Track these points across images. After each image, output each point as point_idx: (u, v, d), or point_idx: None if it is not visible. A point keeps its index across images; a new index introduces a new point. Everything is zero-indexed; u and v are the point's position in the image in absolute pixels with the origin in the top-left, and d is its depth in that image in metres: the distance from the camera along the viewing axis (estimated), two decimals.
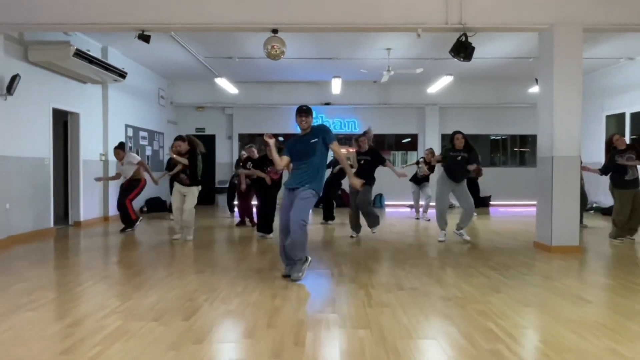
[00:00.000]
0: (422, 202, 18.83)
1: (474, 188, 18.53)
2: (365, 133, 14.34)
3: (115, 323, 6.20)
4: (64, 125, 16.57)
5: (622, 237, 12.96)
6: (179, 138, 13.25)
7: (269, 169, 13.75)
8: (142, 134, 20.88)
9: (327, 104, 24.57)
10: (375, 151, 14.09)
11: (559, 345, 5.50)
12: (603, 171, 13.30)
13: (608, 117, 21.13)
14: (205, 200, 22.16)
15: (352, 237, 13.85)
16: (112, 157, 16.31)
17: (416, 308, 6.93)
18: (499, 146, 26.67)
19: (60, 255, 11.78)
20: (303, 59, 18.84)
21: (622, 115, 20.22)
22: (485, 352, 5.28)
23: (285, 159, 8.98)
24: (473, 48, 11.64)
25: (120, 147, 15.08)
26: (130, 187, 14.91)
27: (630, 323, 6.35)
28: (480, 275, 9.11)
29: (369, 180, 13.60)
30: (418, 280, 8.65)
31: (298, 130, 9.10)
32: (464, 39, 11.57)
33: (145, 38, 11.71)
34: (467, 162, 12.67)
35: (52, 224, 14.59)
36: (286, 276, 8.73)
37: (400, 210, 22.29)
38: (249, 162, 15.40)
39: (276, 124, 23.85)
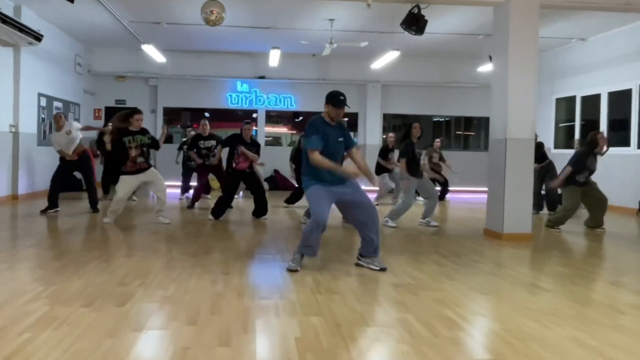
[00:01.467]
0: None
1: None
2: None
3: (42, 309, 6.07)
4: None
5: (559, 227, 13.36)
6: (139, 111, 12.89)
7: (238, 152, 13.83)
8: (56, 104, 20.30)
9: (262, 77, 24.48)
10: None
11: (521, 333, 5.71)
12: (574, 166, 13.14)
13: (558, 99, 21.78)
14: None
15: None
16: (23, 129, 16.31)
17: (368, 295, 7.17)
18: (442, 128, 27.00)
19: None
20: (238, 27, 18.64)
21: (573, 98, 20.78)
22: (447, 340, 5.46)
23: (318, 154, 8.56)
24: (426, 21, 11.88)
25: (59, 115, 14.81)
26: (86, 163, 14.66)
27: (588, 311, 6.67)
28: (431, 262, 9.33)
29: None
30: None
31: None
32: (416, 11, 11.73)
33: None
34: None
35: None
36: (294, 270, 8.53)
37: None
38: (202, 141, 15.66)
39: (205, 98, 23.97)
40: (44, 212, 14.03)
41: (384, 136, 19.10)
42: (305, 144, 8.66)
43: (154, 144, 13.02)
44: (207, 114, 18.28)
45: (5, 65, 16.95)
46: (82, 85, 23.10)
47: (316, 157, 8.30)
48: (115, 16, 17.38)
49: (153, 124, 23.87)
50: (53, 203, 14.21)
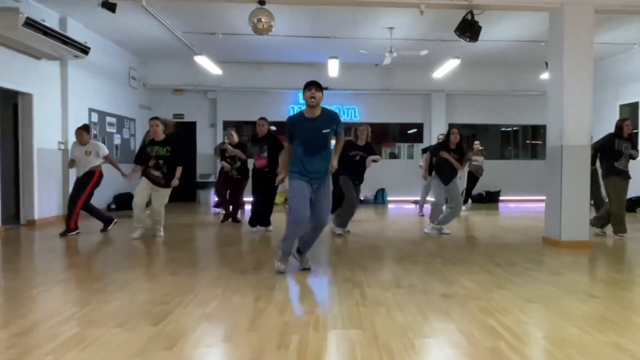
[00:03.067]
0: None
1: (471, 184, 20.18)
2: (362, 124, 14.28)
3: (71, 330, 6.04)
4: (13, 108, 15.90)
5: (621, 234, 13.20)
6: (156, 118, 12.97)
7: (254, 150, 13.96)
8: (109, 119, 20.38)
9: (325, 88, 23.46)
10: (372, 147, 14.03)
11: (561, 340, 5.73)
12: (598, 149, 13.33)
13: (622, 106, 21.55)
14: (185, 196, 22.13)
15: (348, 232, 13.96)
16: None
17: (413, 306, 7.08)
18: (510, 137, 26.71)
19: (9, 259, 11.36)
20: (297, 37, 18.66)
21: (636, 104, 20.64)
22: (484, 350, 5.46)
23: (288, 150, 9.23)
24: (480, 27, 11.83)
25: (85, 129, 13.91)
26: (84, 180, 13.72)
27: (635, 317, 6.70)
28: (484, 271, 9.34)
29: (362, 178, 13.98)
30: (418, 277, 8.85)
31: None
32: (470, 18, 11.73)
33: (110, 6, 11.35)
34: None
35: None
36: (280, 272, 8.93)
37: (404, 206, 22.54)
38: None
39: (266, 110, 22.77)
40: (103, 230, 14.00)
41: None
42: None
43: (172, 159, 12.82)
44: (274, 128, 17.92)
45: (52, 79, 16.82)
46: (137, 99, 23.19)
47: (285, 148, 9.38)
48: (168, 27, 17.42)
49: (213, 137, 24.10)
50: (106, 218, 14.23)
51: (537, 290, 7.99)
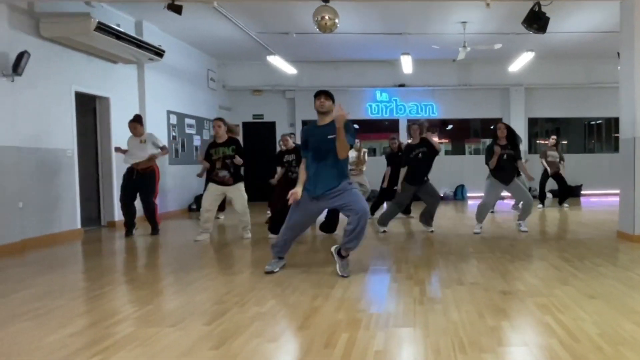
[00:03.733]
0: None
1: (561, 181, 19.59)
2: (416, 122, 14.06)
3: (125, 330, 6.09)
4: (93, 112, 15.90)
5: None
6: (219, 119, 12.84)
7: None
8: (188, 121, 20.53)
9: (402, 85, 24.11)
10: (429, 141, 13.58)
11: (616, 336, 5.54)
12: None
13: None
14: (265, 196, 21.56)
15: (432, 231, 13.73)
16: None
17: (471, 304, 6.93)
18: (593, 131, 26.37)
19: (82, 259, 11.57)
20: (369, 35, 18.50)
21: None
22: (535, 348, 5.32)
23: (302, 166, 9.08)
24: (547, 19, 11.60)
25: (138, 120, 13.96)
26: (149, 181, 13.87)
27: None
28: (550, 266, 9.15)
29: (427, 174, 13.66)
30: (481, 274, 8.70)
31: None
32: (537, 9, 11.51)
33: (176, 8, 11.32)
34: (514, 159, 12.92)
35: (79, 225, 14.17)
36: (269, 272, 8.94)
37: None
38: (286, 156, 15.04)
39: (346, 109, 23.15)
40: (128, 235, 13.89)
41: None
42: None
43: (238, 154, 12.62)
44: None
45: (129, 82, 16.98)
46: (216, 101, 23.26)
47: (300, 166, 9.18)
48: (242, 28, 17.44)
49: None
50: (129, 225, 13.99)
51: (601, 285, 7.76)
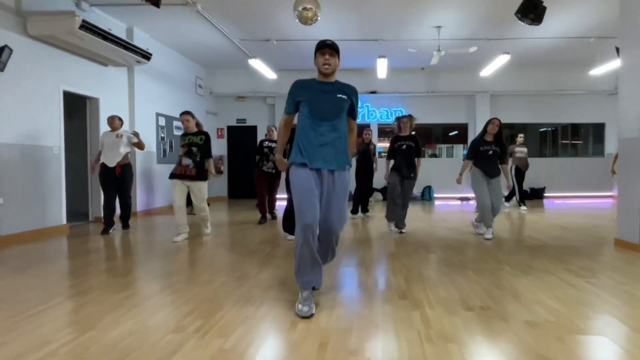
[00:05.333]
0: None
1: (519, 178, 18.18)
2: (410, 116, 12.38)
3: None
4: (84, 111, 14.68)
5: None
6: (187, 113, 11.29)
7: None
8: (176, 123, 19.24)
9: (373, 92, 23.05)
10: (417, 138, 12.12)
11: None
12: None
13: None
14: (247, 194, 21.93)
15: (399, 232, 11.92)
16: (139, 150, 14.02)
17: (495, 343, 4.53)
18: (548, 137, 25.18)
19: (49, 259, 9.21)
20: (346, 41, 16.94)
21: None
22: None
23: (285, 125, 6.18)
24: (544, 8, 9.72)
25: (117, 117, 12.75)
26: (128, 176, 12.71)
27: None
28: (565, 284, 6.70)
29: (414, 170, 11.91)
30: (488, 294, 6.22)
31: None
32: None
33: (154, 1, 10.12)
34: (498, 158, 11.13)
35: (64, 221, 12.80)
36: (306, 317, 5.54)
37: (450, 203, 20.87)
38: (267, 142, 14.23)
39: None
40: (105, 232, 12.39)
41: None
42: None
43: (205, 147, 11.09)
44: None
45: (119, 85, 15.81)
46: (204, 106, 22.38)
47: (280, 123, 6.17)
48: (225, 34, 16.40)
49: None
50: (109, 223, 12.50)
51: None
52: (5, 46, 10.53)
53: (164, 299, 6.15)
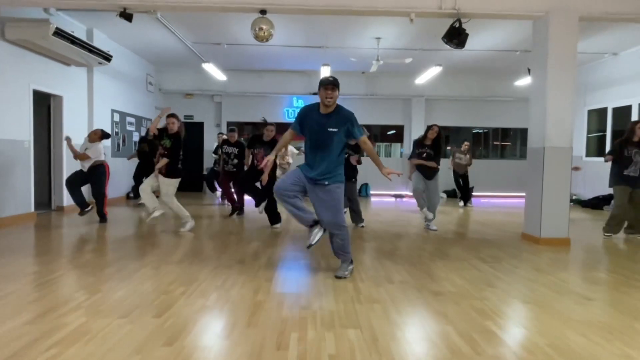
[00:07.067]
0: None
1: (466, 181, 20.01)
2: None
3: (78, 321, 5.40)
4: (48, 108, 15.83)
5: (609, 233, 12.29)
6: (173, 115, 11.99)
7: (256, 151, 13.21)
8: (129, 119, 20.32)
9: (315, 93, 23.34)
10: (357, 146, 13.25)
11: (569, 350, 4.81)
12: (611, 154, 12.32)
13: (590, 111, 20.95)
14: (193, 187, 22.35)
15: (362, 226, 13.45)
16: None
17: (409, 304, 6.24)
18: (481, 139, 26.50)
19: (33, 243, 10.68)
20: (293, 47, 18.30)
21: (604, 110, 20.01)
22: (489, 358, 4.60)
23: (288, 137, 8.21)
24: (467, 35, 11.20)
25: (104, 134, 13.57)
26: (100, 175, 13.37)
27: (638, 324, 5.68)
28: (471, 267, 8.50)
29: (355, 175, 13.51)
30: (408, 273, 7.96)
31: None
32: (457, 25, 11.11)
33: (127, 17, 11.01)
34: (432, 160, 12.72)
35: (32, 209, 13.94)
36: (310, 246, 7.74)
37: (385, 200, 22.04)
38: (224, 146, 15.25)
39: (265, 113, 22.16)
40: (82, 213, 13.32)
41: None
42: None
43: (171, 148, 11.87)
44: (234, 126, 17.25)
45: (80, 83, 16.80)
46: (153, 102, 22.97)
47: (286, 132, 8.19)
48: (179, 38, 17.10)
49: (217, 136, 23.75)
50: (83, 203, 13.28)
51: (528, 290, 7.10)
52: None
53: (147, 272, 7.72)
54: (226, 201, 17.31)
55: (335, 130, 7.40)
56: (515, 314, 6.00)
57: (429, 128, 12.85)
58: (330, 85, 7.32)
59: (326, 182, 7.45)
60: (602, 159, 12.92)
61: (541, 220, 11.04)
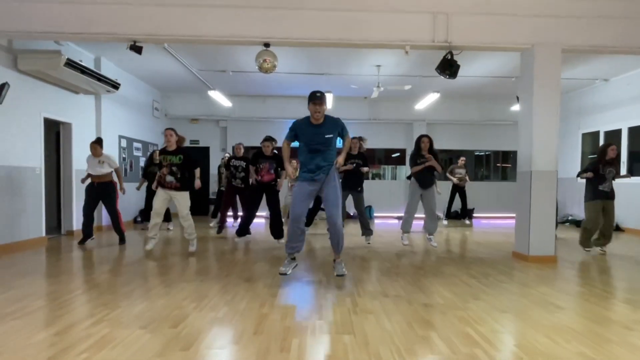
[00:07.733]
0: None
1: (464, 196, 20.66)
2: (360, 138, 14.58)
3: (102, 331, 6.06)
4: (56, 135, 16.26)
5: (588, 248, 13.18)
6: (170, 129, 12.42)
7: (261, 166, 13.85)
8: (136, 144, 20.64)
9: None
10: (365, 156, 14.28)
11: (533, 349, 5.59)
12: (581, 172, 13.24)
13: (584, 134, 21.61)
14: (199, 210, 22.25)
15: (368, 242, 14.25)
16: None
17: (399, 314, 6.97)
18: (482, 161, 26.97)
19: (50, 265, 11.15)
20: (296, 74, 18.87)
21: (597, 133, 20.66)
22: (463, 356, 5.34)
23: (287, 147, 9.16)
24: (458, 66, 11.82)
25: (98, 143, 13.91)
26: (109, 189, 13.94)
27: (598, 328, 6.48)
28: (461, 283, 9.21)
29: (361, 185, 14.08)
30: (403, 288, 8.69)
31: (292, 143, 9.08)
32: (449, 57, 11.76)
33: (137, 49, 11.53)
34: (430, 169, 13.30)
35: (43, 233, 14.24)
36: (283, 274, 9.03)
37: (388, 222, 22.49)
38: (232, 160, 15.63)
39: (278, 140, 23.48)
40: (81, 243, 13.84)
41: None
42: None
43: (186, 164, 12.20)
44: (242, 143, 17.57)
45: (88, 110, 17.17)
46: (159, 127, 23.07)
47: (284, 144, 9.19)
48: (186, 66, 17.64)
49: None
50: (89, 234, 13.93)
51: (509, 301, 7.86)
52: (6, 83, 12.17)
53: (161, 291, 8.42)
54: (232, 222, 18.07)
55: (331, 135, 8.69)
56: (493, 321, 6.68)
57: (418, 140, 13.49)
58: (318, 100, 8.66)
59: (327, 172, 8.83)
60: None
61: (529, 239, 11.76)
